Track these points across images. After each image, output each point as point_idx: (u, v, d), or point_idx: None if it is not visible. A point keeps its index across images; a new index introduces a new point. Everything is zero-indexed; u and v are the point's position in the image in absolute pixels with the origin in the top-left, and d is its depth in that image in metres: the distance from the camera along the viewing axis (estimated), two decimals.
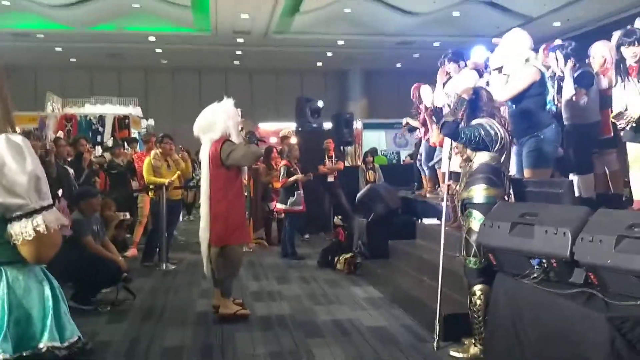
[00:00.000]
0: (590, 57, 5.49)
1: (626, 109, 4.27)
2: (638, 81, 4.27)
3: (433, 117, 7.31)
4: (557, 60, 5.26)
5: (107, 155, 10.00)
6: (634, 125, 4.15)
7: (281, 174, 8.65)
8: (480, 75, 6.16)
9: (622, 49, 4.33)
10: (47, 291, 1.74)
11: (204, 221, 5.16)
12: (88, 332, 4.90)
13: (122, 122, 13.18)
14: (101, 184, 8.70)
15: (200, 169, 5.89)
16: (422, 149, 7.84)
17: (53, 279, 1.80)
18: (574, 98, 5.00)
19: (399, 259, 6.78)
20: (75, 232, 5.73)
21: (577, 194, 5.01)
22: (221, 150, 5.05)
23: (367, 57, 19.76)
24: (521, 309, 3.42)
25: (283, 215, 8.90)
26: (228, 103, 5.25)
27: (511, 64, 4.96)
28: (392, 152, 19.27)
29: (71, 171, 7.64)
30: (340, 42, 17.84)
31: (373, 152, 12.58)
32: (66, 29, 15.69)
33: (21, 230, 1.57)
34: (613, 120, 4.50)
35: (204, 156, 5.20)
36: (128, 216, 8.18)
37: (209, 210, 5.10)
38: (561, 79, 5.25)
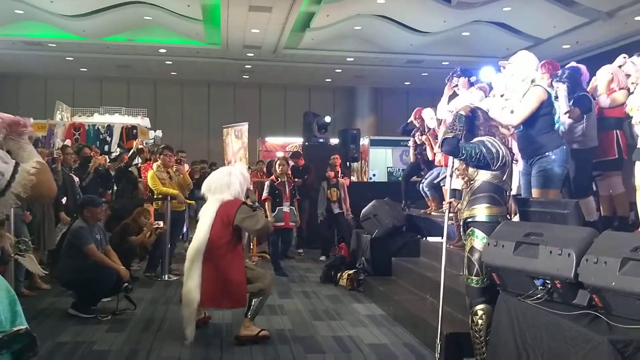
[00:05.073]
0: (594, 79, 5.53)
1: None
2: None
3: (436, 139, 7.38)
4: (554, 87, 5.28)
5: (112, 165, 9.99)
6: None
7: (265, 190, 8.41)
8: (487, 96, 6.17)
9: None
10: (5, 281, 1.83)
11: (192, 281, 4.76)
12: (87, 340, 4.90)
13: (129, 132, 13.24)
14: (106, 194, 8.71)
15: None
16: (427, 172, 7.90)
17: None
18: (567, 115, 4.99)
19: (402, 277, 6.74)
20: (78, 240, 5.73)
21: None
22: (237, 212, 4.85)
23: (376, 75, 19.83)
24: (524, 329, 3.37)
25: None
26: (242, 167, 5.24)
27: (517, 87, 4.95)
28: (399, 170, 19.25)
29: (76, 179, 7.66)
30: (350, 59, 17.92)
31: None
32: (78, 39, 15.82)
33: (23, 174, 1.83)
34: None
35: (208, 214, 4.92)
36: (162, 224, 7.72)
37: (200, 269, 4.76)
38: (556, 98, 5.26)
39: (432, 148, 7.67)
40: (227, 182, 5.00)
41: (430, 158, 7.78)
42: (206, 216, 4.93)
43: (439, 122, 7.25)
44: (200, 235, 4.84)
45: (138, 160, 9.97)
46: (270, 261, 8.59)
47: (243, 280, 4.91)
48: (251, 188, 5.28)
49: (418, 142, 8.21)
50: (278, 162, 8.84)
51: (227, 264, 4.82)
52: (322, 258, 9.47)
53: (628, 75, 5.21)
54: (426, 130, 7.88)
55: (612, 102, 5.29)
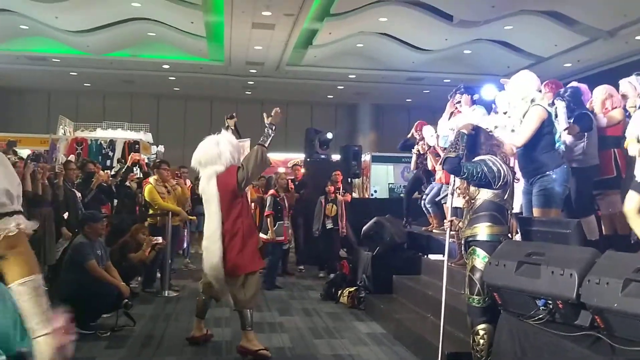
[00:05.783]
0: (591, 99, 5.53)
1: None
2: None
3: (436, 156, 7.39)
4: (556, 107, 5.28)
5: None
6: None
7: (267, 204, 8.58)
8: (489, 114, 6.18)
9: None
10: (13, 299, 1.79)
11: (215, 257, 4.82)
12: (86, 356, 4.87)
13: (132, 147, 13.25)
14: (106, 209, 8.69)
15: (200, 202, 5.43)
16: (428, 189, 7.89)
17: None
18: (567, 132, 4.98)
19: (403, 295, 6.70)
20: (79, 256, 5.72)
21: None
22: (237, 175, 4.85)
23: (378, 92, 19.89)
24: (525, 350, 3.36)
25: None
26: (229, 134, 5.26)
27: (517, 107, 4.97)
28: (400, 186, 19.23)
29: (78, 195, 7.65)
30: (352, 76, 18.00)
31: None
32: (82, 54, 15.92)
33: (5, 226, 1.64)
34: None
35: (210, 189, 4.91)
36: (161, 240, 7.62)
37: (221, 244, 4.82)
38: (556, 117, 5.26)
39: (433, 163, 7.69)
40: (217, 153, 4.96)
41: (430, 168, 7.80)
42: (209, 192, 4.91)
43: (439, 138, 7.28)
44: (212, 212, 4.87)
45: (140, 174, 9.97)
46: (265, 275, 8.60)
47: (257, 244, 5.23)
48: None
49: (421, 152, 8.18)
50: (280, 176, 9.06)
51: (245, 232, 4.94)
52: (322, 274, 9.43)
53: (624, 96, 5.22)
54: (426, 148, 7.90)
55: (609, 120, 5.31)
